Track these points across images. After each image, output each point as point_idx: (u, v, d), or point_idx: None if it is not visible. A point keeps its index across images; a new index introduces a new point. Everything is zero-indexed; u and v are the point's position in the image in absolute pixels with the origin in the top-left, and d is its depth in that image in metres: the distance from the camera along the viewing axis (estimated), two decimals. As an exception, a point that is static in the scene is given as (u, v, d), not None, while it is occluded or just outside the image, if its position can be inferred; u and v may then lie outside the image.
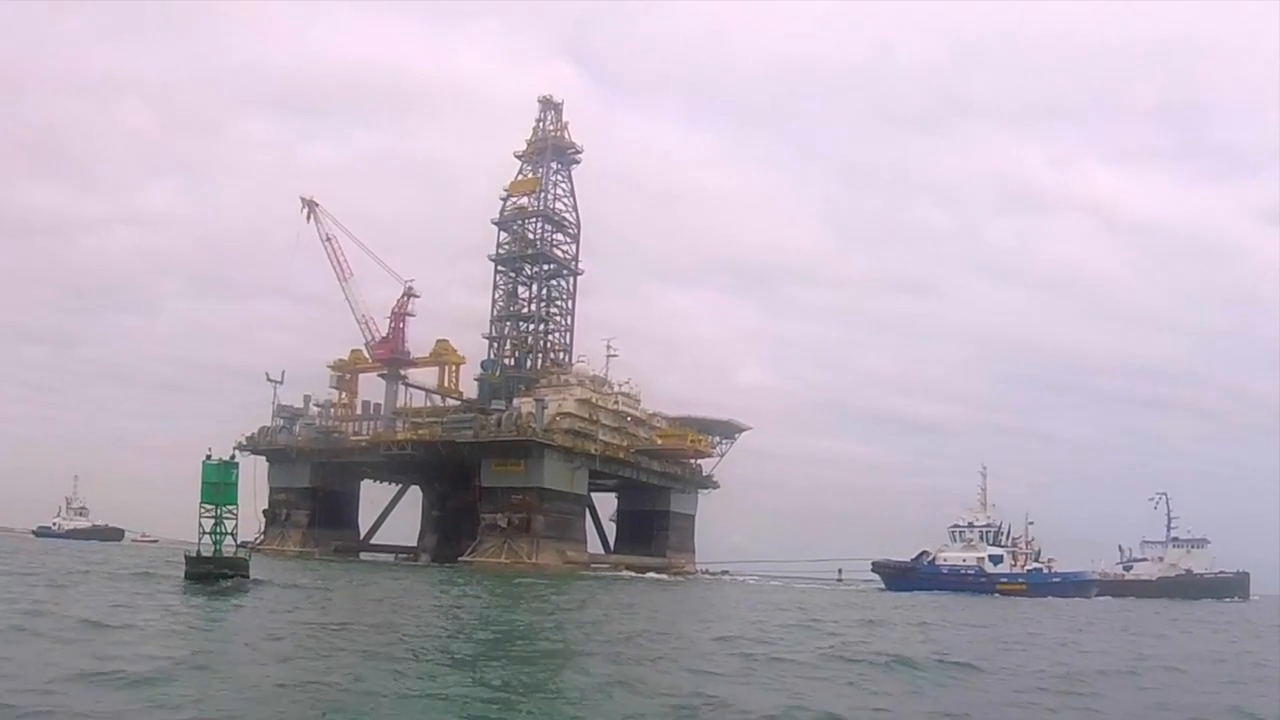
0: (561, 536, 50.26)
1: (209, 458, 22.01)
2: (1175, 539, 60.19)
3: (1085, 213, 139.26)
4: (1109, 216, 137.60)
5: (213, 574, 21.27)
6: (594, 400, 53.66)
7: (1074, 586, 50.70)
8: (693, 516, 62.27)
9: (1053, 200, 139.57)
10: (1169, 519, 60.72)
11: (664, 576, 50.71)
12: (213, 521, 21.74)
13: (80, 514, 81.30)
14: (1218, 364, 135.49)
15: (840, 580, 56.39)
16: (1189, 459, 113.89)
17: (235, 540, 22.55)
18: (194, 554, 21.84)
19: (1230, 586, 58.19)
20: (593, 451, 51.65)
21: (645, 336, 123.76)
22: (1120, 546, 62.59)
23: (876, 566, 54.40)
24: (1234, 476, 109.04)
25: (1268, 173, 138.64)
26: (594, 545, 57.89)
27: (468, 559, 48.36)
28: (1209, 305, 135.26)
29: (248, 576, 21.82)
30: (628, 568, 53.65)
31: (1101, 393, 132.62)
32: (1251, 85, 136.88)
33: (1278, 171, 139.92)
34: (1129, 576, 59.25)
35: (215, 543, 21.69)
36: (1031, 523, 53.44)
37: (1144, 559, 61.05)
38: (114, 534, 77.27)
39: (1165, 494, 60.94)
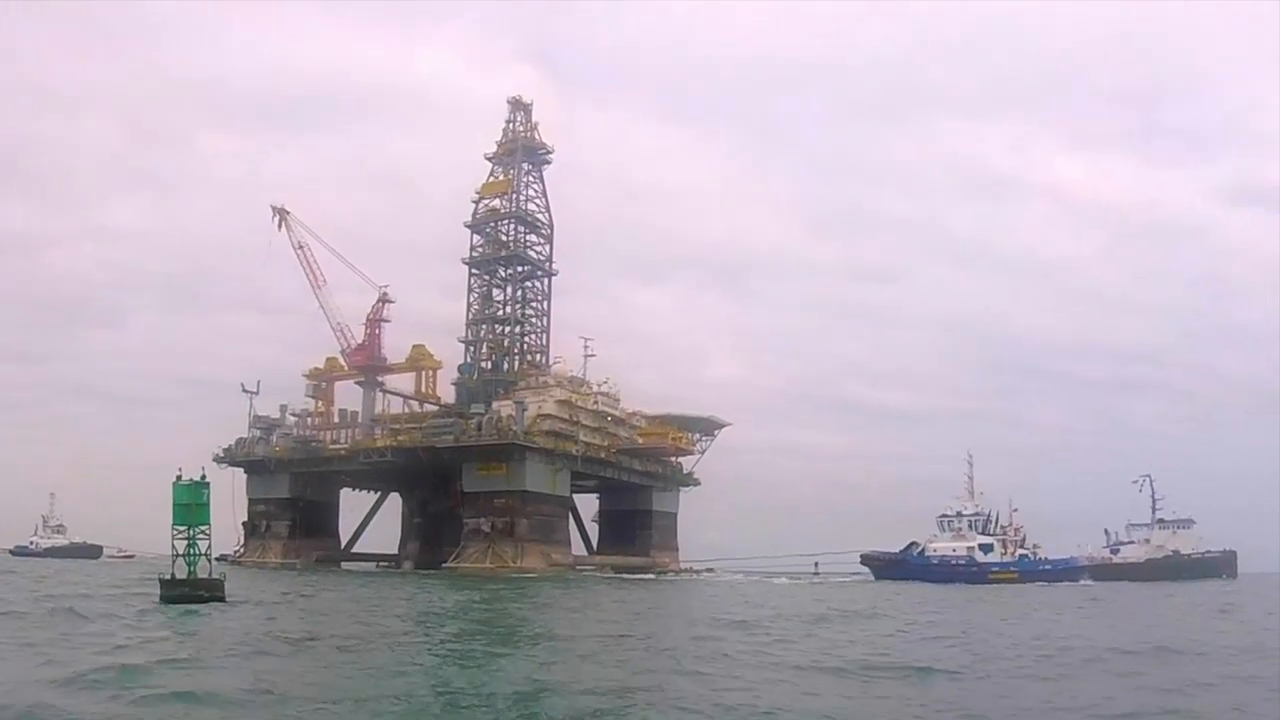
0: (546, 539, 50.33)
1: (179, 478, 21.60)
2: (1160, 520, 59.79)
3: (1046, 197, 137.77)
4: (1069, 200, 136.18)
5: (188, 596, 20.80)
6: (573, 401, 53.77)
7: (1064, 572, 50.92)
8: (675, 514, 62.42)
9: (1014, 186, 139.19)
10: (1153, 500, 60.47)
11: (650, 576, 50.46)
12: (185, 543, 21.22)
13: (58, 531, 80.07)
14: (1185, 345, 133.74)
15: (816, 574, 55.85)
16: (1160, 439, 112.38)
17: (210, 561, 22.27)
18: (168, 576, 21.35)
19: (1218, 566, 58.02)
20: (574, 452, 51.80)
21: (615, 335, 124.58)
22: (1106, 530, 62.25)
23: (865, 559, 54.27)
24: (1208, 456, 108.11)
25: (1227, 154, 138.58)
26: (577, 546, 57.81)
27: (451, 565, 48.37)
28: (1173, 286, 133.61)
29: (223, 598, 21.24)
30: (612, 568, 53.72)
31: (1069, 376, 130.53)
32: (1206, 69, 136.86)
33: (1236, 153, 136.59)
34: (1116, 560, 58.88)
35: (189, 564, 21.26)
36: (1016, 509, 53.44)
37: (1130, 542, 60.74)
38: (92, 551, 75.99)
39: (1149, 476, 60.68)
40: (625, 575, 50.15)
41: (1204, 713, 9.79)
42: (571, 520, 57.93)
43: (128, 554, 74.56)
